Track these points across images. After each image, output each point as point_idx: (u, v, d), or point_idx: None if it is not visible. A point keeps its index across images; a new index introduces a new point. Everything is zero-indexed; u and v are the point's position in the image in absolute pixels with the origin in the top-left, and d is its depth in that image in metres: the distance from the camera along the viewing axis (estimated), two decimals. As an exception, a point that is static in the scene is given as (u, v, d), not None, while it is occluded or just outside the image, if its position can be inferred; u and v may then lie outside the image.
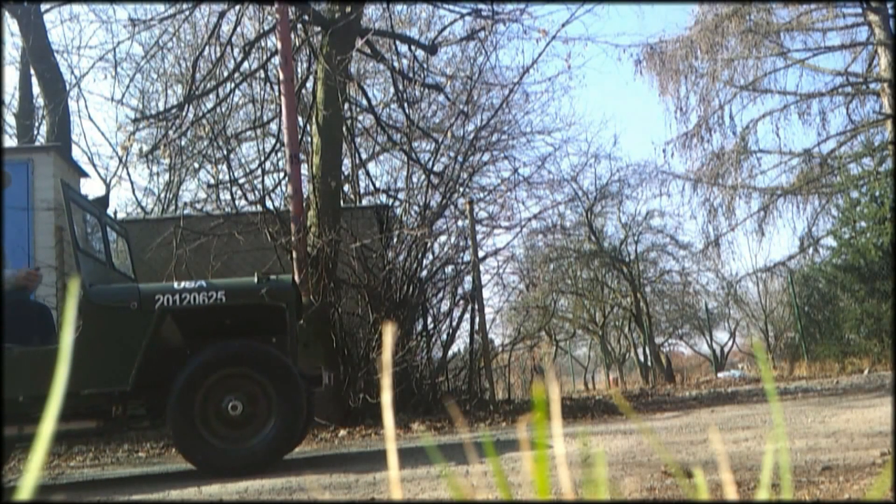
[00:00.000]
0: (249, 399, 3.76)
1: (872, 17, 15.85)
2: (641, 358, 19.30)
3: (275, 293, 4.00)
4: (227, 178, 8.76)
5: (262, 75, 8.56)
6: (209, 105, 8.46)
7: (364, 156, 12.23)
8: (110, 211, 10.62)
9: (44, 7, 9.36)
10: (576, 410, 6.79)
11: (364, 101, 9.70)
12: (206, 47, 8.25)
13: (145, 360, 3.74)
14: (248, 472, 3.57)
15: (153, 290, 3.90)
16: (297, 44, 8.29)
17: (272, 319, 4.06)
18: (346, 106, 8.18)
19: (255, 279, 4.03)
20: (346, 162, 10.46)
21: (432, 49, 8.74)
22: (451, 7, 9.00)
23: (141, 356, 3.73)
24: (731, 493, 0.54)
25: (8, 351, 3.67)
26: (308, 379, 4.13)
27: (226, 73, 8.25)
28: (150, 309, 3.82)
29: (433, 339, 8.12)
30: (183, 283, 3.98)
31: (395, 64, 8.84)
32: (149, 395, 3.91)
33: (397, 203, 10.14)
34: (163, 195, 13.73)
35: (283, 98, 6.96)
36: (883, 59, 15.71)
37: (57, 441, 4.53)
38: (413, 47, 8.77)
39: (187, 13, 8.45)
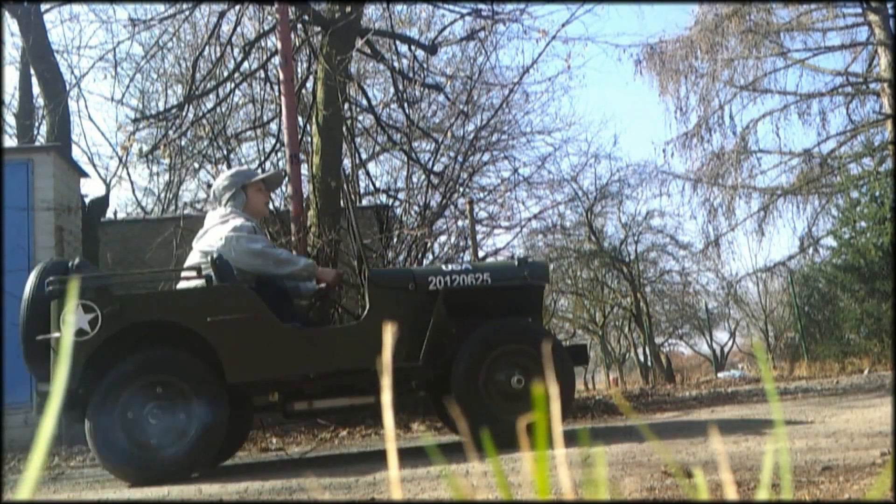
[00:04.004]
0: (527, 374, 3.93)
1: (872, 17, 15.85)
2: (641, 358, 19.31)
3: (535, 274, 4.25)
4: (227, 178, 8.74)
5: (262, 75, 8.55)
6: (209, 105, 8.46)
7: (364, 156, 12.23)
8: (110, 211, 10.62)
9: (44, 7, 9.35)
10: (576, 410, 6.79)
11: (364, 101, 9.70)
12: (206, 47, 8.25)
13: (432, 338, 3.92)
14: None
15: (426, 273, 4.14)
16: (297, 44, 8.29)
17: (527, 300, 4.31)
18: (346, 106, 8.18)
19: (516, 262, 4.28)
20: (346, 162, 10.46)
21: (432, 49, 8.73)
22: (451, 7, 9.00)
23: (430, 333, 3.90)
24: (731, 493, 0.54)
25: (297, 329, 3.87)
26: (573, 355, 4.32)
27: (226, 73, 8.25)
28: (424, 290, 4.02)
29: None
30: (450, 266, 4.21)
31: (395, 64, 8.84)
32: (418, 372, 4.11)
33: (397, 203, 10.14)
34: (163, 195, 13.74)
35: (283, 98, 6.95)
36: (883, 59, 15.71)
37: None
38: (413, 47, 8.77)
39: (187, 13, 8.45)
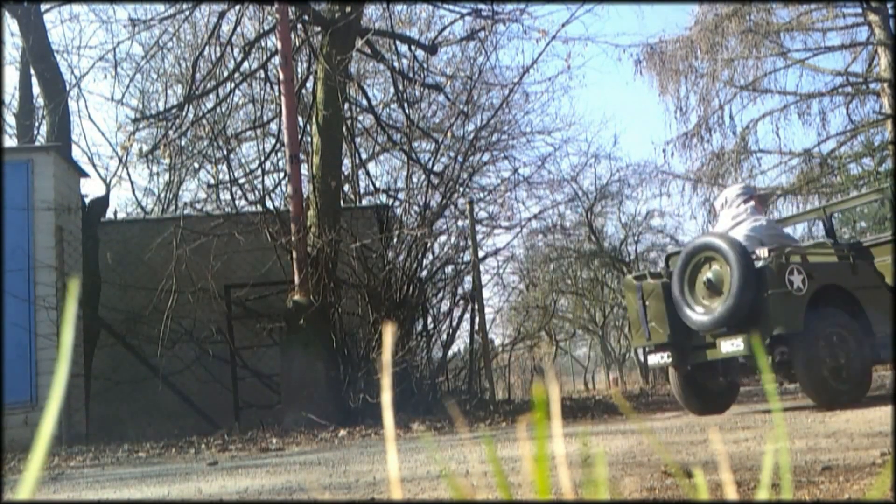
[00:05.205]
0: None
1: (872, 17, 15.84)
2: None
3: None
4: (227, 178, 8.77)
5: (262, 75, 8.56)
6: (209, 105, 8.46)
7: (364, 156, 12.23)
8: (110, 211, 10.62)
9: (44, 7, 9.33)
10: (576, 410, 6.79)
11: (364, 101, 9.70)
12: (206, 47, 8.25)
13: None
14: None
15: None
16: (297, 44, 8.30)
17: None
18: (346, 106, 8.18)
19: None
20: (346, 162, 10.46)
21: (432, 49, 8.74)
22: (451, 7, 9.01)
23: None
24: (731, 493, 0.54)
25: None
26: None
27: (226, 73, 8.25)
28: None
29: (433, 339, 8.12)
30: None
31: (395, 64, 8.84)
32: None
33: (397, 203, 10.14)
34: (163, 195, 13.72)
35: (283, 98, 6.96)
36: (883, 59, 15.70)
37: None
38: (413, 47, 8.77)
39: (187, 13, 8.46)
